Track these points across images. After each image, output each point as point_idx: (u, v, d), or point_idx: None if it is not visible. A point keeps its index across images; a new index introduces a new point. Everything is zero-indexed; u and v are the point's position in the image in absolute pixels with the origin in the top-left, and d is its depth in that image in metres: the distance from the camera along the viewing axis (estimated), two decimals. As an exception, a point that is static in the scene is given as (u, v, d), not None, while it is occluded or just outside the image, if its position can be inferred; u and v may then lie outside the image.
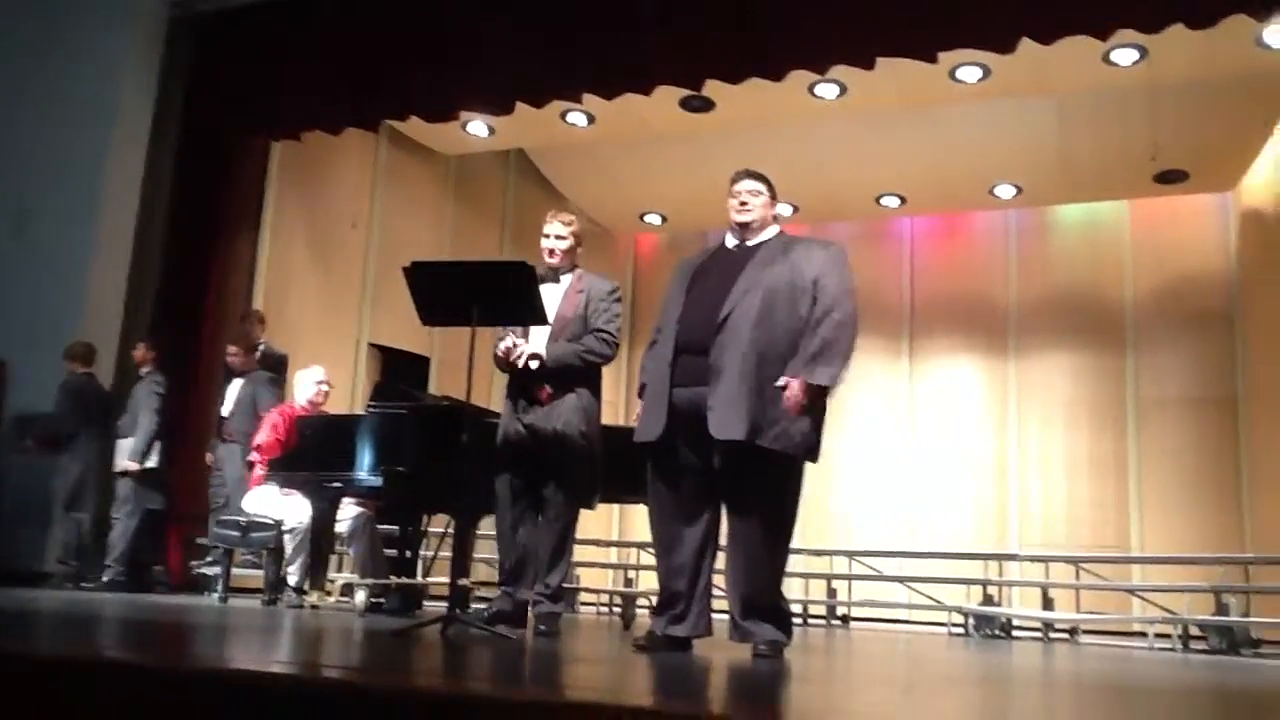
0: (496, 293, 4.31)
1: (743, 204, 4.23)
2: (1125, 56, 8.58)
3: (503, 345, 4.73)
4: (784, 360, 3.94)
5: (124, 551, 7.47)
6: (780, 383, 3.91)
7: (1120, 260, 12.04)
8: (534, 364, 4.69)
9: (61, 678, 2.27)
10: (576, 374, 4.78)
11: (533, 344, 4.76)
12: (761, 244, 4.21)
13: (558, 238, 4.92)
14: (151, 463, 7.58)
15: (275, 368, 7.96)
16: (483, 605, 6.02)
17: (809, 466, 4.06)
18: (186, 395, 8.62)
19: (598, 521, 12.50)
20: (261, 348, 7.98)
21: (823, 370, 3.91)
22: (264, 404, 7.40)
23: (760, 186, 4.26)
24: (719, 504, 4.11)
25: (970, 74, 8.97)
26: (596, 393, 4.88)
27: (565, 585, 9.58)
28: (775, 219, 4.31)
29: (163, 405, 7.64)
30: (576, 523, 4.92)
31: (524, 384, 4.78)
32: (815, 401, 3.92)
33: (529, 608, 4.85)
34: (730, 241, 4.29)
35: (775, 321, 3.97)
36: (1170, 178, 10.91)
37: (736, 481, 3.95)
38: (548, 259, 4.91)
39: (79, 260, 8.26)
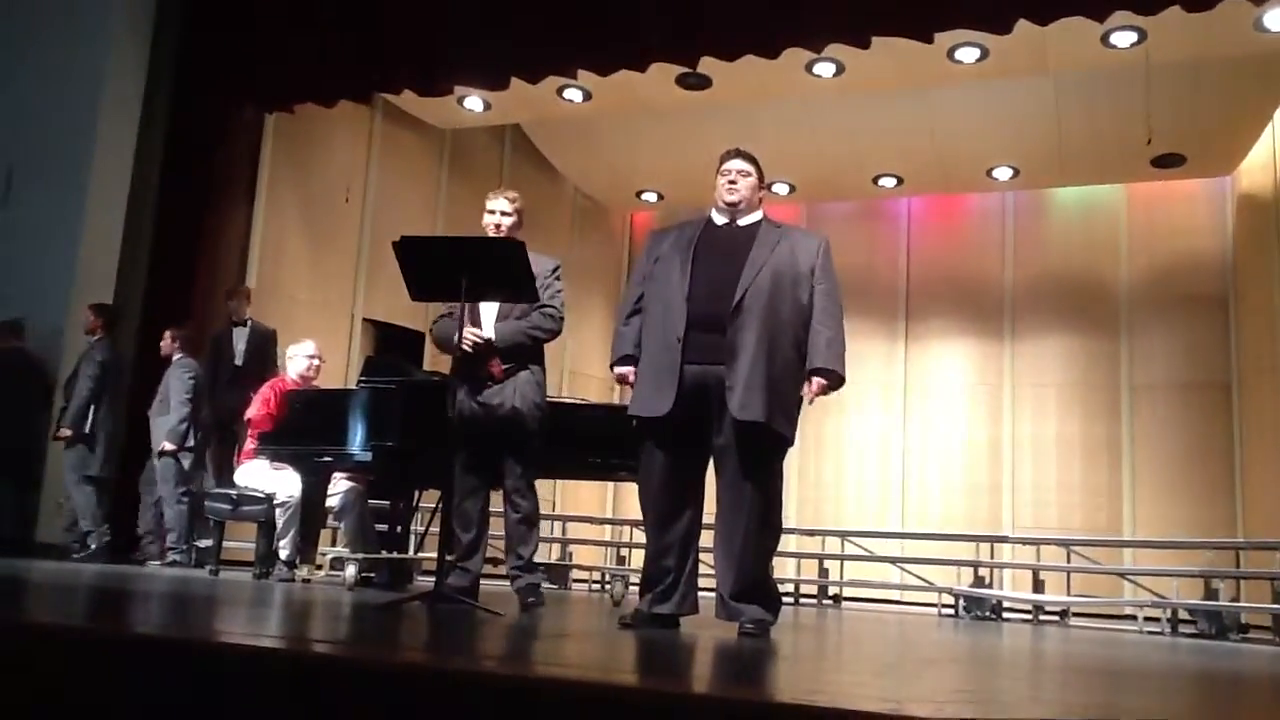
0: (486, 268, 4.30)
1: (731, 183, 4.22)
2: (1124, 39, 8.54)
3: (466, 336, 4.69)
4: (788, 345, 4.01)
5: (182, 532, 7.48)
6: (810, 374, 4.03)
7: (1116, 244, 12.03)
8: (469, 347, 4.69)
9: (47, 647, 2.27)
10: (526, 351, 4.84)
11: (485, 325, 4.79)
12: (756, 225, 4.21)
13: (503, 213, 4.93)
14: (190, 443, 7.61)
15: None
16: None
17: (802, 443, 4.15)
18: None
19: (591, 499, 12.55)
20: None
21: (837, 360, 4.02)
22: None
23: (749, 167, 4.25)
24: (705, 483, 4.13)
25: (968, 55, 8.92)
26: (543, 367, 4.97)
27: (562, 563, 9.71)
28: (760, 202, 4.30)
29: (195, 391, 7.65)
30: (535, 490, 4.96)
31: (473, 363, 4.77)
32: (833, 389, 4.05)
33: (510, 583, 4.88)
34: (719, 219, 4.26)
35: (781, 306, 4.02)
36: (1168, 161, 10.88)
37: (741, 460, 3.95)
38: (491, 233, 4.91)
39: (71, 230, 8.22)
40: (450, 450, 4.68)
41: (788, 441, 4.03)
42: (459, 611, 4.16)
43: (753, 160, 4.28)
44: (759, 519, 3.95)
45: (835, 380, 4.02)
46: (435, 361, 10.28)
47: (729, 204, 4.22)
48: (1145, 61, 8.76)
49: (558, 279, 4.97)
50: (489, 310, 4.84)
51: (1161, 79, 9.09)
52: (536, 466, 4.93)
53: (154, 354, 7.89)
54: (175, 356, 7.77)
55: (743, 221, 4.22)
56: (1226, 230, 11.57)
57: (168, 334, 7.88)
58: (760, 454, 3.96)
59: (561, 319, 4.93)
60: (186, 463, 7.56)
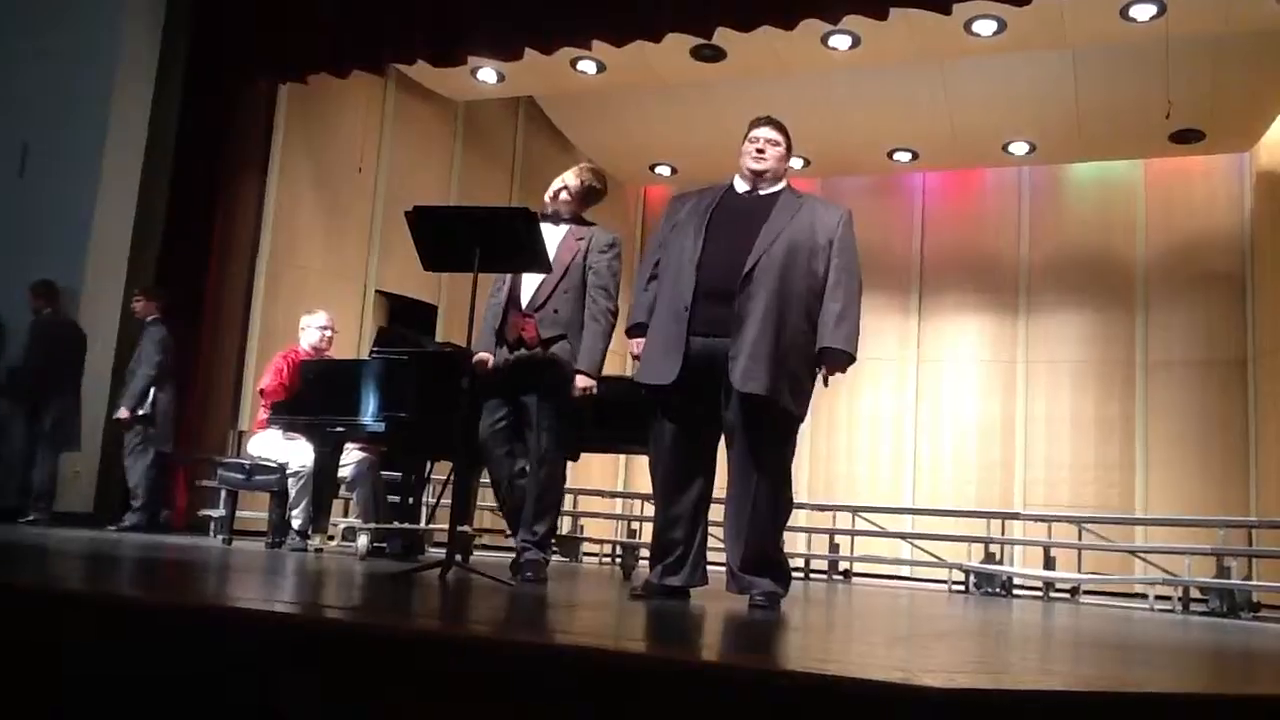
0: (499, 239, 4.28)
1: (759, 151, 4.15)
2: (1143, 12, 8.45)
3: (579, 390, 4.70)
4: (799, 317, 3.93)
5: (147, 496, 7.58)
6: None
7: (1133, 220, 11.94)
8: (589, 389, 4.71)
9: (66, 613, 2.28)
10: (572, 325, 4.77)
11: (524, 295, 4.75)
12: (777, 194, 4.14)
13: (566, 186, 4.90)
14: (144, 410, 7.67)
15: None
16: (485, 552, 6.03)
17: (814, 419, 4.12)
18: (196, 338, 8.66)
19: (602, 473, 12.57)
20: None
21: (848, 339, 3.94)
22: (147, 356, 7.65)
23: (779, 137, 4.19)
24: (716, 456, 4.11)
25: (985, 27, 8.83)
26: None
27: (574, 536, 9.72)
28: (785, 174, 4.24)
29: (163, 355, 7.73)
30: (565, 471, 4.92)
31: (511, 324, 4.77)
32: (843, 368, 3.97)
33: (518, 554, 4.85)
34: (741, 187, 4.20)
35: (794, 276, 3.95)
36: (1186, 137, 10.78)
37: (748, 434, 3.90)
38: (550, 202, 4.89)
39: (84, 201, 8.24)
40: (469, 415, 4.62)
41: (796, 418, 3.97)
42: (471, 582, 4.17)
43: (783, 130, 4.22)
44: (767, 495, 3.92)
45: (844, 360, 3.95)
46: (448, 332, 10.31)
47: (754, 172, 4.16)
48: (1165, 36, 8.67)
49: (616, 257, 4.90)
50: (530, 281, 4.80)
51: (1180, 53, 8.99)
52: (568, 439, 4.84)
53: (169, 325, 7.90)
54: (149, 319, 7.82)
55: (764, 191, 4.15)
56: (1244, 207, 11.48)
57: (139, 297, 7.91)
58: (768, 429, 3.92)
59: (612, 310, 4.83)
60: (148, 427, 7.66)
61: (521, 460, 4.83)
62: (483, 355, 4.78)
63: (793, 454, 4.07)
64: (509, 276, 4.75)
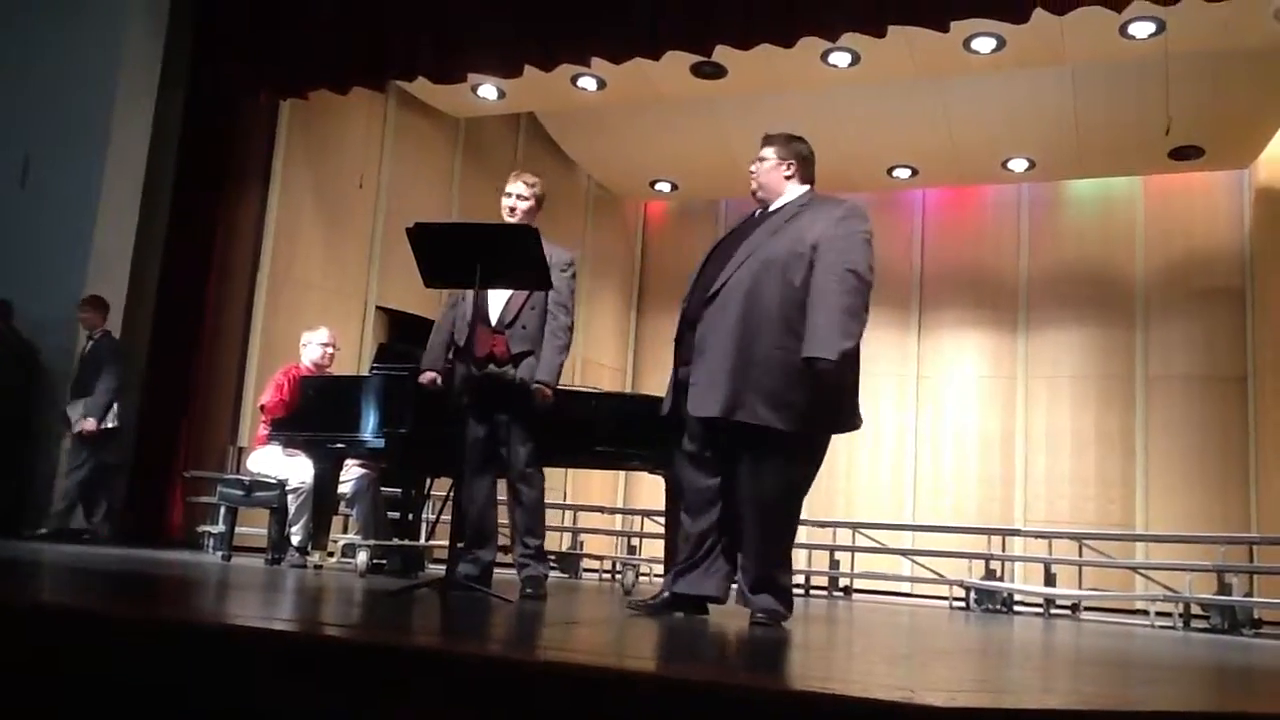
0: (500, 256, 4.29)
1: (750, 173, 4.20)
2: (1142, 29, 8.47)
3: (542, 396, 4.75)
4: (776, 333, 3.80)
5: (72, 503, 7.54)
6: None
7: (1132, 236, 11.96)
8: (548, 398, 4.78)
9: (61, 629, 2.28)
10: (538, 340, 4.82)
11: (492, 312, 4.78)
12: (776, 210, 4.11)
13: (519, 197, 4.89)
14: (110, 423, 7.64)
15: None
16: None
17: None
18: (195, 353, 8.66)
19: (602, 489, 12.55)
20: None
21: (823, 343, 3.72)
22: (108, 369, 7.59)
23: (766, 151, 4.18)
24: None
25: (984, 44, 8.85)
26: None
27: (573, 552, 9.72)
28: (802, 179, 4.16)
29: (121, 366, 7.71)
30: (544, 481, 4.95)
31: (479, 342, 4.78)
32: (829, 377, 3.73)
33: (517, 571, 4.87)
34: (758, 210, 4.22)
35: (764, 292, 3.84)
36: (1186, 154, 10.81)
37: (735, 459, 3.92)
38: (507, 217, 4.90)
39: (85, 213, 8.24)
40: (459, 431, 4.65)
41: (787, 434, 3.77)
42: (470, 599, 4.16)
43: (772, 140, 4.21)
44: (756, 517, 3.89)
45: (824, 365, 3.70)
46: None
47: (753, 194, 4.19)
48: (1164, 53, 8.69)
49: (573, 276, 4.91)
50: (498, 298, 4.83)
51: (1180, 71, 9.02)
52: (542, 452, 4.89)
53: (168, 340, 7.91)
54: (96, 332, 7.77)
55: (772, 208, 4.14)
56: (1244, 223, 11.49)
57: (87, 308, 7.80)
58: (752, 448, 3.84)
59: (570, 326, 4.89)
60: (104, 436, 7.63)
61: (489, 477, 4.90)
62: (430, 374, 4.91)
63: (801, 472, 3.93)
64: (469, 292, 4.68)
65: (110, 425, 7.63)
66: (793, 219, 4.01)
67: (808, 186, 4.17)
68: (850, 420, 3.98)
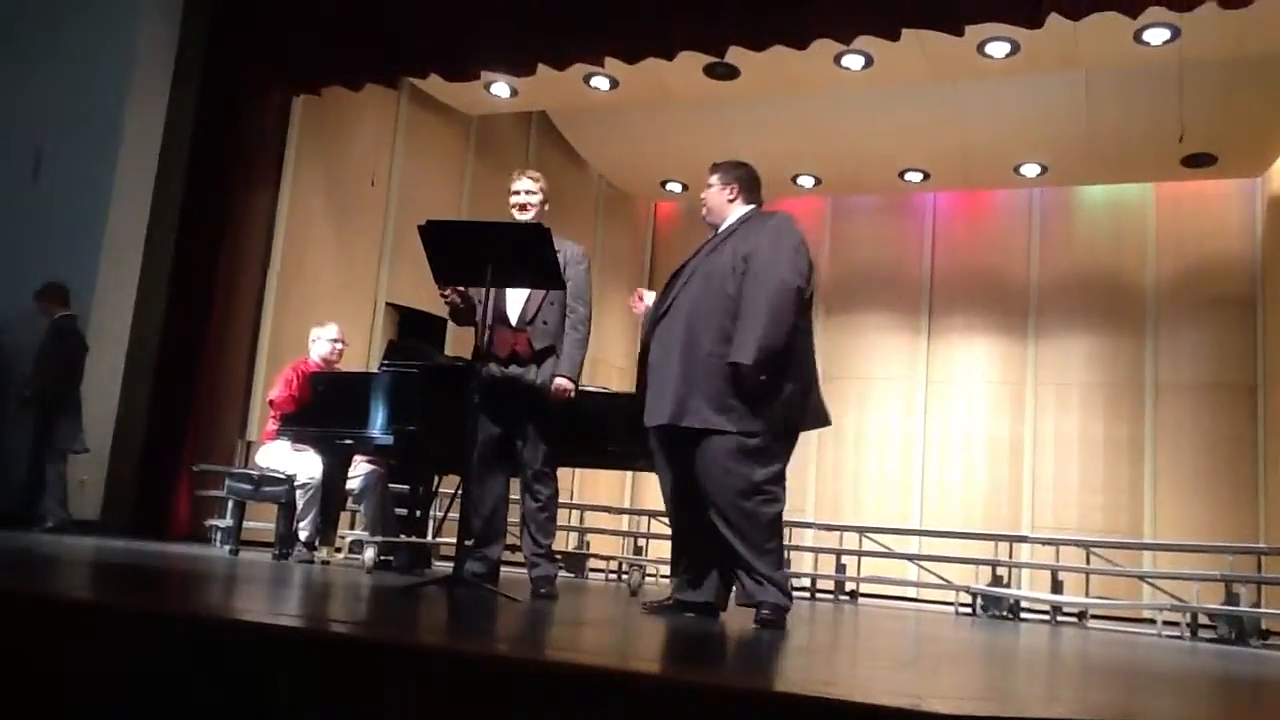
0: (511, 254, 4.30)
1: (701, 200, 4.36)
2: (1156, 36, 8.45)
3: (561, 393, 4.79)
4: (713, 341, 3.96)
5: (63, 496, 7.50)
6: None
7: (1143, 243, 11.93)
8: (569, 391, 4.82)
9: (67, 621, 2.28)
10: (557, 336, 4.85)
11: (511, 311, 4.80)
12: (719, 231, 4.26)
13: (528, 193, 4.94)
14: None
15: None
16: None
17: (822, 437, 4.08)
18: (205, 347, 8.66)
19: (609, 489, 12.55)
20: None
21: (742, 348, 3.88)
22: (71, 353, 7.56)
23: (711, 179, 4.33)
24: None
25: (998, 49, 8.84)
26: None
27: (580, 552, 9.72)
28: (745, 200, 4.28)
29: (70, 351, 7.64)
30: (557, 482, 4.97)
31: (499, 342, 4.80)
32: (747, 380, 3.86)
33: (528, 571, 4.88)
34: (710, 235, 4.35)
35: (704, 307, 4.03)
36: (1198, 161, 10.78)
37: (694, 465, 3.98)
38: (518, 215, 4.92)
39: (97, 207, 8.27)
40: (471, 429, 4.60)
41: (738, 434, 3.88)
42: (477, 596, 4.17)
43: (715, 169, 4.34)
44: (725, 518, 3.92)
45: (744, 371, 3.86)
46: (457, 346, 10.31)
47: (704, 219, 4.34)
48: (1178, 60, 8.67)
49: (588, 270, 4.97)
50: (516, 296, 4.85)
51: (1193, 78, 8.99)
52: (557, 453, 4.92)
53: (179, 334, 7.91)
54: (56, 315, 7.70)
55: (721, 229, 4.27)
56: (1255, 232, 11.46)
57: (42, 296, 7.76)
58: (705, 452, 3.93)
59: (588, 318, 4.94)
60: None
61: (502, 476, 4.92)
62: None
63: (763, 472, 3.92)
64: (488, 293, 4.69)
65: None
66: (731, 235, 4.18)
67: (751, 206, 4.31)
68: (809, 419, 4.08)
